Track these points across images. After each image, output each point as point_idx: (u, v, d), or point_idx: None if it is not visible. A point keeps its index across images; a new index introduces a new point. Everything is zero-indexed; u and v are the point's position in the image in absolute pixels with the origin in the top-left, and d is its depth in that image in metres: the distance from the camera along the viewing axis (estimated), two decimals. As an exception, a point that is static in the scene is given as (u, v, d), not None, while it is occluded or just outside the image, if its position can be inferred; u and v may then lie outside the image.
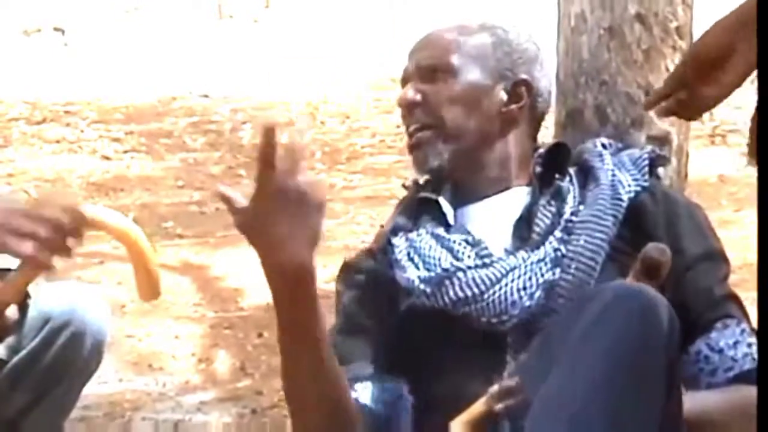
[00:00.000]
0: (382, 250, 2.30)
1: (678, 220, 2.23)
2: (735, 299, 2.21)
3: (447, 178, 2.28)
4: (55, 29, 8.91)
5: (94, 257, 4.64)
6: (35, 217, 1.90)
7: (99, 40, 8.79)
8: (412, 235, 2.28)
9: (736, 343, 2.15)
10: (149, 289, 2.17)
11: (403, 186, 2.42)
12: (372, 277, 2.35)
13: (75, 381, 2.64)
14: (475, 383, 2.07)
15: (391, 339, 2.30)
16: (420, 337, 2.22)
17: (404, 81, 2.27)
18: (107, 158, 6.43)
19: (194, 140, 6.67)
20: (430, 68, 2.27)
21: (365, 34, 8.71)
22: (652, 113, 2.70)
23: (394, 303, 2.28)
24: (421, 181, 2.32)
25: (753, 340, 2.18)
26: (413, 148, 2.25)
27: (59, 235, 1.90)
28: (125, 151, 6.54)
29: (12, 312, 2.37)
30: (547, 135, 2.83)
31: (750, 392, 2.05)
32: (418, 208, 2.33)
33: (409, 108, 2.22)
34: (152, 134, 6.78)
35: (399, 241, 2.29)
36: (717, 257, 2.23)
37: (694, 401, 2.08)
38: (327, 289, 4.66)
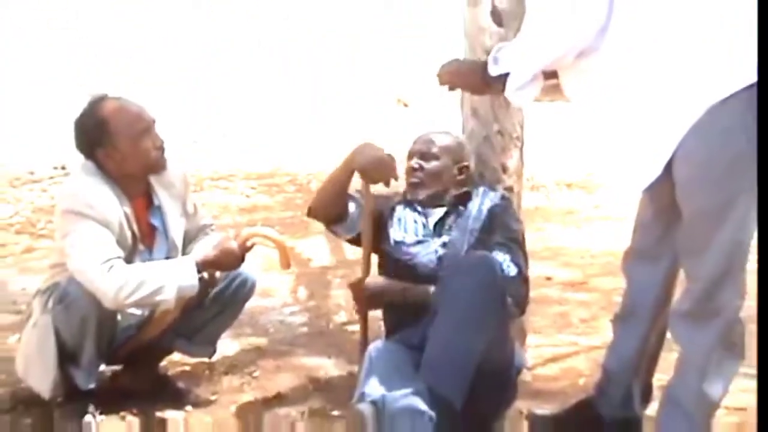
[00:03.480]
0: (390, 210, 2.52)
1: (504, 219, 2.49)
2: (510, 250, 2.39)
3: (421, 201, 2.54)
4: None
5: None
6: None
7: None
8: (400, 207, 2.57)
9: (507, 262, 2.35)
10: (286, 265, 2.47)
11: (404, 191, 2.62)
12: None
13: (238, 306, 2.73)
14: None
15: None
16: (398, 271, 2.48)
17: (410, 155, 2.53)
18: (247, 197, 6.59)
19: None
20: (424, 152, 2.53)
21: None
22: (505, 176, 2.84)
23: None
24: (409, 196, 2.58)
25: (508, 256, 2.30)
26: (414, 186, 2.51)
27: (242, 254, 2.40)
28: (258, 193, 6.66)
29: (219, 273, 2.60)
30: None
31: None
32: (407, 200, 2.59)
33: (414, 170, 2.50)
34: (269, 186, 6.92)
35: (398, 210, 2.55)
36: (516, 237, 2.46)
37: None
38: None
